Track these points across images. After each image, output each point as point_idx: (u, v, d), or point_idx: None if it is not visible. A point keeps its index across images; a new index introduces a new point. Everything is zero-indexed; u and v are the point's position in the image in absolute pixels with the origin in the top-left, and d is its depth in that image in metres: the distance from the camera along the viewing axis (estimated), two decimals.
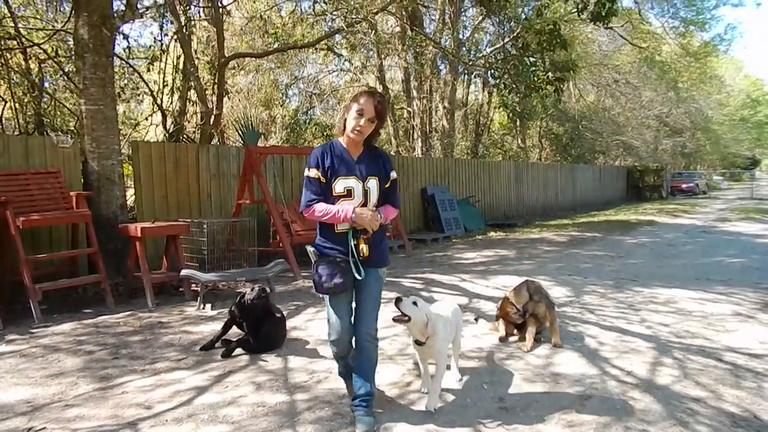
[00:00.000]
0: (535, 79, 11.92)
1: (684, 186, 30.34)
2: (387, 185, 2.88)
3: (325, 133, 17.09)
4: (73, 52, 7.71)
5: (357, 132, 2.73)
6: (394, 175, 2.92)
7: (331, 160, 2.77)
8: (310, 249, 2.88)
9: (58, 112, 9.90)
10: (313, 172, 2.77)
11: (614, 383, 3.44)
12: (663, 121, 29.48)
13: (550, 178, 19.44)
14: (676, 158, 37.39)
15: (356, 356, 2.92)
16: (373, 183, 2.80)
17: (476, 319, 4.89)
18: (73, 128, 9.24)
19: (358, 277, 2.75)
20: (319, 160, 2.78)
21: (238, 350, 4.12)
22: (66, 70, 9.14)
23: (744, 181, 48.44)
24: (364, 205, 2.80)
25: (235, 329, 4.28)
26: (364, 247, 2.74)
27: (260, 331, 4.14)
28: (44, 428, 2.89)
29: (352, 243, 2.74)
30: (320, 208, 2.75)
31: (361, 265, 2.77)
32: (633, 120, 27.61)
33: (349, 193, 2.77)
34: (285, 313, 4.64)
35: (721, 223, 14.30)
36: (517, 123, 22.37)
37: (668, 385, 3.38)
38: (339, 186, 2.76)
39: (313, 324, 4.96)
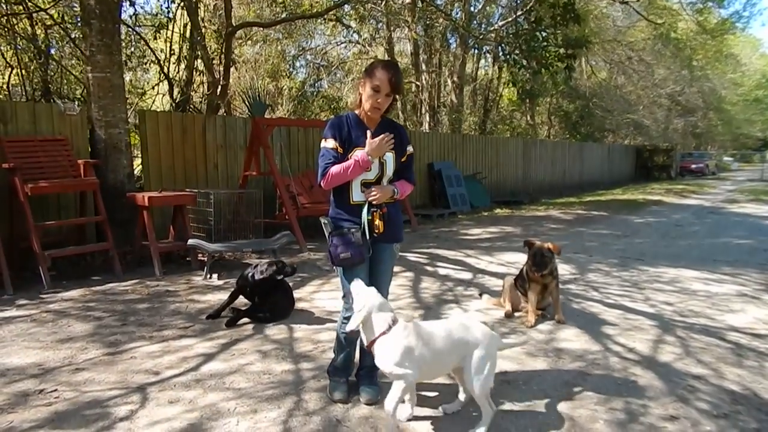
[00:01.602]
0: (546, 55, 11.70)
1: (693, 166, 30.02)
2: (403, 159, 2.81)
3: (332, 106, 16.96)
4: (79, 18, 7.63)
5: (375, 109, 2.67)
6: (410, 149, 2.85)
7: (348, 132, 2.71)
8: (324, 220, 2.79)
9: (65, 79, 9.85)
10: (331, 143, 2.70)
11: (616, 359, 3.46)
12: (675, 99, 29.02)
13: (558, 155, 19.28)
14: (687, 138, 36.95)
15: None
16: (389, 156, 2.73)
17: (480, 295, 4.92)
18: (80, 96, 9.20)
19: (367, 253, 2.70)
20: (336, 131, 2.70)
21: (244, 319, 4.17)
22: (72, 36, 9.06)
23: (754, 162, 47.89)
24: (380, 178, 2.72)
25: (241, 299, 4.33)
26: (379, 223, 2.67)
27: (269, 301, 4.19)
28: (55, 390, 2.96)
29: (367, 218, 2.66)
30: (336, 169, 2.65)
31: (376, 240, 2.71)
32: (645, 98, 27.21)
33: None
34: (290, 284, 4.68)
35: (729, 205, 14.18)
36: (527, 100, 22.08)
37: (670, 363, 3.40)
38: (355, 157, 2.68)
39: (319, 296, 5.00)
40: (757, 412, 2.77)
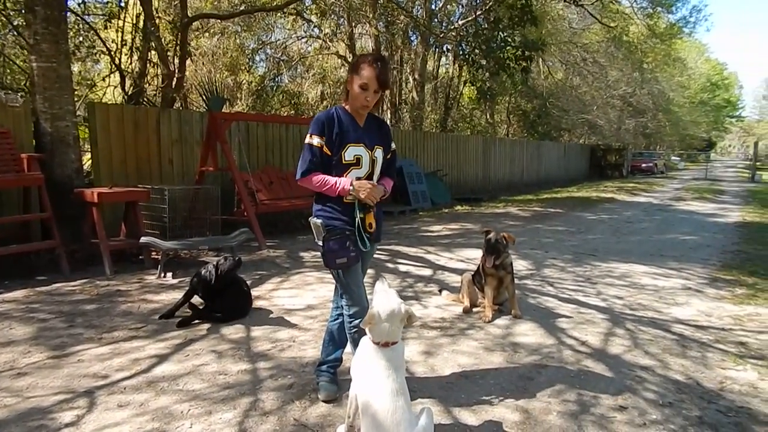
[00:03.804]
0: (505, 56, 11.90)
1: (643, 165, 31.29)
2: (388, 156, 2.78)
3: (292, 101, 16.73)
4: (22, 5, 7.24)
5: (364, 107, 2.62)
6: (393, 146, 2.83)
7: (339, 128, 2.62)
8: (316, 222, 2.65)
9: (8, 69, 9.34)
10: (316, 140, 2.59)
11: (570, 352, 3.56)
12: (627, 101, 30.07)
13: (516, 154, 19.68)
14: (638, 138, 38.37)
15: (340, 327, 2.85)
16: (379, 153, 2.70)
17: (440, 291, 4.97)
18: (23, 86, 8.74)
19: (363, 249, 2.65)
20: (326, 128, 2.60)
21: (199, 319, 4.07)
22: (15, 24, 8.58)
23: (700, 162, 50.26)
24: (371, 174, 2.68)
25: (196, 298, 4.21)
26: (372, 222, 2.65)
27: (225, 300, 4.10)
28: None
29: (359, 216, 2.60)
30: (318, 179, 2.59)
31: (368, 240, 2.67)
32: (598, 99, 28.05)
33: (357, 162, 2.63)
34: (249, 282, 4.59)
35: (676, 202, 14.84)
36: (486, 98, 22.41)
37: (620, 355, 3.53)
38: (349, 154, 2.61)
39: (278, 294, 4.93)
40: (700, 400, 2.91)
